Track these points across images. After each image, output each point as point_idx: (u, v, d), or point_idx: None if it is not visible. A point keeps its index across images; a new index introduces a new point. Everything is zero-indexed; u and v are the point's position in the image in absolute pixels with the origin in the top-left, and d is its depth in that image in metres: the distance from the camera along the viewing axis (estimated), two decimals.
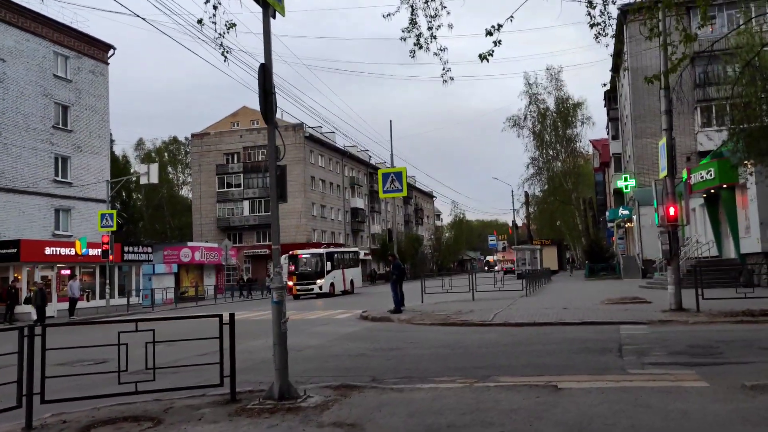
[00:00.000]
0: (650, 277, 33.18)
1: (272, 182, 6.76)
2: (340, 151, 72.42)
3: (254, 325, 18.39)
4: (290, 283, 34.53)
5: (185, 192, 73.58)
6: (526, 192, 61.46)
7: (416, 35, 9.92)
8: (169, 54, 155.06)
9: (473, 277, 23.60)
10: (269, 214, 54.49)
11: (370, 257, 75.90)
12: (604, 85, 57.09)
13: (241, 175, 63.42)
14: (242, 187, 63.28)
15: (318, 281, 35.25)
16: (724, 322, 12.67)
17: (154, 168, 30.51)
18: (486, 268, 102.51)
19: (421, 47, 10.05)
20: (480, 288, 23.78)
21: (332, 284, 36.14)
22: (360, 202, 75.26)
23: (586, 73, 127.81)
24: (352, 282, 39.32)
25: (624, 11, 40.26)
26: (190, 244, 46.54)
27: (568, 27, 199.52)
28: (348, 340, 13.16)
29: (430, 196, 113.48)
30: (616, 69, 50.39)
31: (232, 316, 6.96)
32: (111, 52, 36.42)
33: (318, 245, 61.93)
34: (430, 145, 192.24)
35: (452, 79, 10.34)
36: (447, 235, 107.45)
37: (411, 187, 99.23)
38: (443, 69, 10.16)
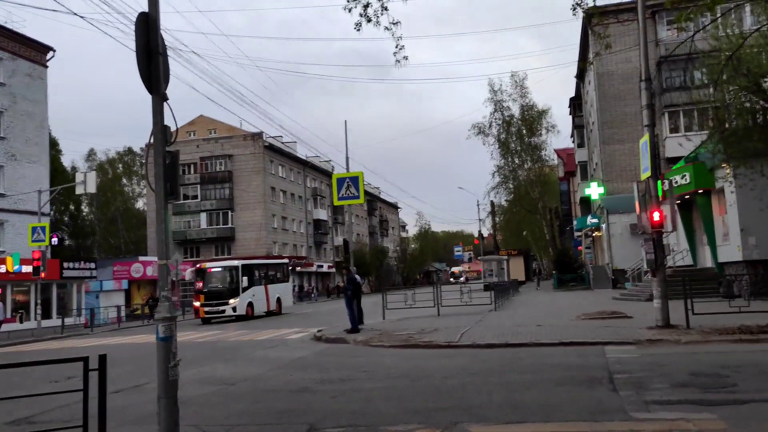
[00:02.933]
0: (621, 287, 32.02)
1: (159, 172, 4.91)
2: (302, 162, 70.43)
3: (197, 349, 16.34)
4: (197, 304, 29.00)
5: (140, 204, 70.53)
6: (491, 201, 60.27)
7: (363, 5, 8.23)
8: (125, 62, 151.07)
9: (438, 290, 21.93)
10: (228, 226, 52.00)
11: (333, 270, 73.83)
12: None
13: (198, 186, 60.89)
14: (199, 199, 60.74)
15: (231, 301, 28.36)
16: (721, 341, 11.18)
17: (92, 177, 28.11)
18: (452, 279, 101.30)
19: (369, 20, 8.38)
20: (446, 302, 22.10)
21: (250, 304, 29.26)
22: (323, 214, 73.25)
23: (551, 82, 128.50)
24: (279, 300, 32.40)
25: (590, 15, 39.60)
26: (141, 258, 43.96)
27: (534, 39, 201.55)
28: (293, 369, 11.27)
29: (395, 207, 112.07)
30: (580, 76, 49.69)
31: (102, 359, 4.91)
32: (50, 54, 34.00)
33: (279, 258, 59.78)
34: (396, 156, 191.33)
35: (406, 58, 8.70)
36: (413, 246, 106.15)
37: (376, 198, 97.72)
38: (396, 46, 8.50)
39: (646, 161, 13.06)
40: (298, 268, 64.65)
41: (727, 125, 16.88)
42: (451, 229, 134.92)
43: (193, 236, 60.21)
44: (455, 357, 11.48)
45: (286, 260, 38.57)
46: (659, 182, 13.22)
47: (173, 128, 5.13)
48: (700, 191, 22.73)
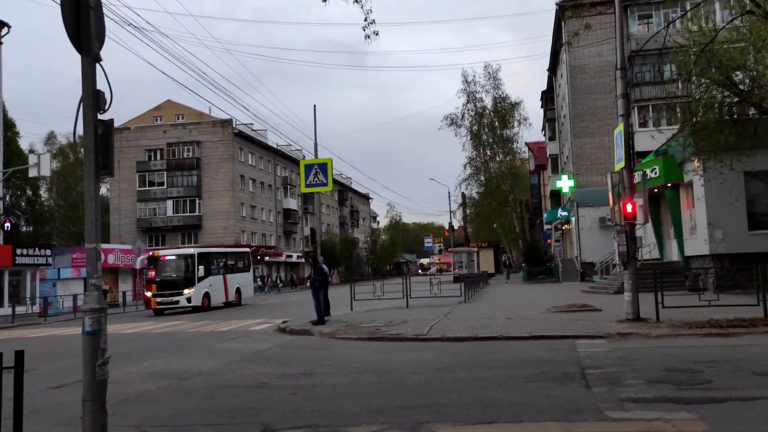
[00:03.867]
0: (590, 280, 32.09)
1: (89, 144, 4.36)
2: (273, 150, 69.38)
3: (154, 340, 15.70)
4: (148, 294, 27.30)
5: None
6: (463, 193, 60.21)
7: None
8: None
9: (407, 282, 21.55)
10: (195, 214, 50.83)
11: (303, 260, 73.09)
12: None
13: (165, 173, 59.54)
14: (165, 186, 59.40)
15: (185, 291, 26.59)
16: (692, 335, 10.99)
17: (45, 159, 26.88)
18: (420, 271, 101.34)
19: None
20: (415, 294, 21.74)
21: (206, 294, 27.55)
22: (293, 203, 72.37)
23: (524, 75, 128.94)
24: (239, 291, 30.69)
25: (563, 7, 39.50)
26: (103, 246, 42.61)
27: (508, 32, 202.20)
28: (252, 362, 10.76)
29: (366, 197, 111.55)
30: (553, 69, 49.74)
31: (19, 356, 4.27)
32: (5, 30, 32.55)
33: (247, 247, 58.84)
34: (368, 147, 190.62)
35: (376, 34, 8.21)
36: (383, 237, 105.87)
37: (347, 189, 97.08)
38: (365, 20, 8.01)
39: (620, 151, 12.81)
40: (267, 258, 63.85)
41: (698, 118, 16.77)
42: (422, 221, 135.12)
43: (159, 224, 58.93)
44: (423, 351, 11.10)
45: (247, 249, 36.91)
46: (633, 173, 12.97)
47: (120, 100, 4.56)
48: (669, 185, 22.74)
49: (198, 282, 27.01)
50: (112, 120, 4.48)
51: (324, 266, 17.37)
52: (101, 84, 4.48)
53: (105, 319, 4.57)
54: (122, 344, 14.23)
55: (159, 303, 26.53)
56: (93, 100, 4.34)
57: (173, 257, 28.18)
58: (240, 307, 29.35)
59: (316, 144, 19.39)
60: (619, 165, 12.99)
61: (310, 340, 13.76)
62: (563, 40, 37.28)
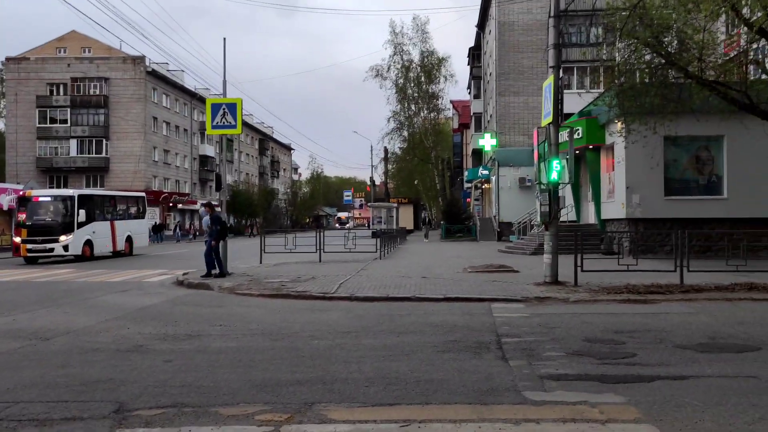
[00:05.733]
0: (506, 240, 32.13)
1: None
2: (190, 93, 65.67)
3: (30, 290, 13.99)
4: (17, 240, 23.59)
5: (0, 125, 63.40)
6: (385, 147, 59.23)
7: None
8: None
9: (321, 235, 20.52)
10: (102, 156, 47.01)
11: (219, 209, 70.42)
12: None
13: (68, 110, 55.17)
14: (69, 124, 55.13)
15: (62, 238, 23.39)
16: (610, 301, 10.56)
17: None
18: (338, 225, 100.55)
19: None
20: (329, 248, 20.79)
21: (89, 242, 24.47)
22: (210, 150, 69.25)
23: (453, 29, 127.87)
24: (130, 239, 27.56)
25: None
26: None
27: None
28: (133, 320, 9.48)
29: (288, 148, 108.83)
30: (482, 26, 48.95)
31: None
32: None
33: (159, 194, 55.95)
34: (293, 97, 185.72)
35: None
36: (304, 190, 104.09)
37: (268, 138, 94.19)
38: None
39: (548, 105, 12.07)
40: (180, 206, 61.09)
41: (624, 79, 16.36)
42: (345, 175, 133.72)
43: (61, 164, 54.90)
44: (328, 311, 10.14)
45: (141, 193, 33.37)
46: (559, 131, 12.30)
47: None
48: (590, 147, 22.55)
49: (78, 228, 23.95)
50: None
51: (222, 216, 16.08)
52: None
53: None
54: None
55: (30, 251, 23.23)
56: None
57: (48, 198, 24.78)
58: (133, 257, 26.86)
59: (225, 82, 17.70)
60: (547, 120, 12.28)
61: (206, 296, 12.54)
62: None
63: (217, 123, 15.45)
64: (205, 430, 4.45)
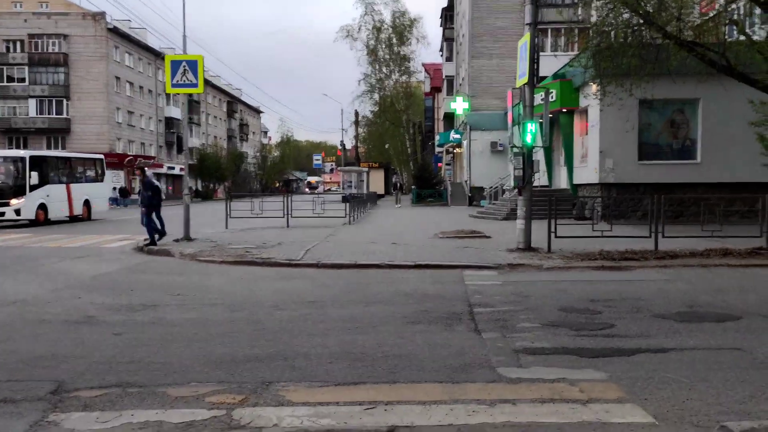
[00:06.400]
0: (477, 205, 31.91)
1: None
2: (154, 52, 63.46)
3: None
4: None
5: None
6: (356, 110, 58.31)
7: None
8: None
9: (289, 199, 19.96)
10: (63, 116, 44.67)
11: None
12: None
13: (26, 68, 52.88)
14: (27, 83, 52.91)
15: (13, 201, 21.96)
16: (584, 268, 10.31)
17: None
18: (307, 189, 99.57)
19: None
20: (297, 213, 20.26)
21: (42, 206, 23.08)
22: (177, 112, 67.34)
23: None
24: (88, 203, 26.13)
25: None
26: None
27: None
28: (87, 289, 8.93)
29: (257, 111, 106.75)
30: None
31: None
32: None
33: (123, 156, 54.35)
34: (263, 60, 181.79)
35: None
36: (275, 154, 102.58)
37: (237, 100, 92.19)
38: None
39: (524, 65, 11.60)
40: (146, 169, 59.47)
41: (601, 39, 15.95)
42: (315, 139, 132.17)
43: (20, 125, 52.85)
44: (294, 279, 9.71)
45: (99, 155, 31.25)
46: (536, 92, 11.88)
47: None
48: (564, 110, 22.20)
49: (30, 191, 22.46)
50: None
51: (154, 181, 15.37)
52: None
53: None
54: None
55: None
56: None
57: None
58: (92, 222, 25.58)
59: (185, 37, 16.76)
60: (522, 80, 11.83)
61: (167, 263, 11.99)
62: None
63: (178, 81, 14.64)
64: (148, 414, 4.02)
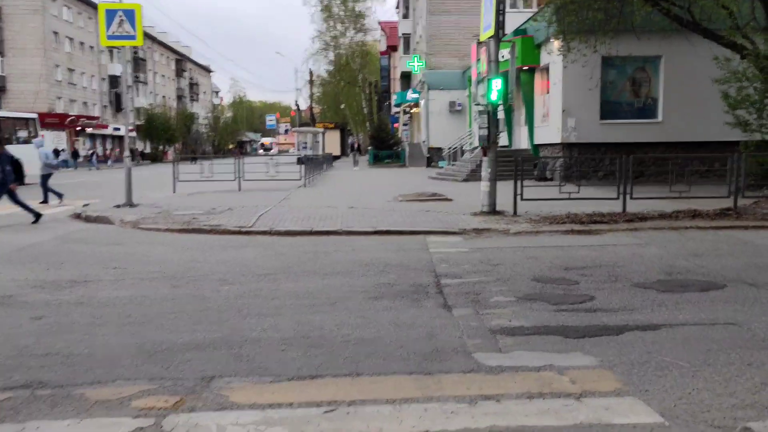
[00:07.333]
0: (436, 166, 31.35)
1: None
2: (94, 6, 60.03)
3: None
4: None
5: None
6: (310, 69, 56.79)
7: None
8: None
9: (241, 161, 18.99)
10: None
11: (134, 135, 66.28)
12: None
13: None
14: None
15: None
16: (553, 232, 9.83)
17: None
18: (261, 151, 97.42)
19: None
20: (250, 176, 19.34)
21: None
22: (121, 70, 64.37)
23: None
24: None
25: None
26: None
27: None
28: (11, 262, 8.00)
29: (207, 70, 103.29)
30: None
31: None
32: None
33: (64, 117, 51.64)
34: (213, 16, 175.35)
35: None
36: (227, 115, 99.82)
37: (186, 59, 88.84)
38: None
39: (489, 17, 10.87)
40: (89, 130, 56.92)
41: None
42: (269, 100, 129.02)
43: None
44: (244, 248, 8.94)
45: (32, 115, 28.66)
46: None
47: None
48: (525, 68, 21.60)
49: None
50: None
51: (11, 154, 13.07)
52: None
53: None
54: None
55: None
56: None
57: None
58: (24, 186, 23.47)
59: None
60: (487, 33, 11.11)
61: (105, 231, 11.03)
62: None
63: (114, 33, 13.44)
64: (57, 427, 3.28)
